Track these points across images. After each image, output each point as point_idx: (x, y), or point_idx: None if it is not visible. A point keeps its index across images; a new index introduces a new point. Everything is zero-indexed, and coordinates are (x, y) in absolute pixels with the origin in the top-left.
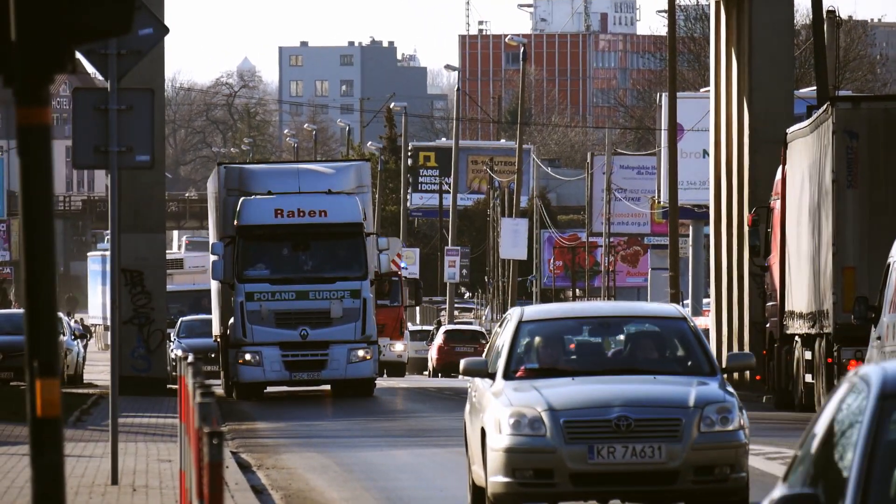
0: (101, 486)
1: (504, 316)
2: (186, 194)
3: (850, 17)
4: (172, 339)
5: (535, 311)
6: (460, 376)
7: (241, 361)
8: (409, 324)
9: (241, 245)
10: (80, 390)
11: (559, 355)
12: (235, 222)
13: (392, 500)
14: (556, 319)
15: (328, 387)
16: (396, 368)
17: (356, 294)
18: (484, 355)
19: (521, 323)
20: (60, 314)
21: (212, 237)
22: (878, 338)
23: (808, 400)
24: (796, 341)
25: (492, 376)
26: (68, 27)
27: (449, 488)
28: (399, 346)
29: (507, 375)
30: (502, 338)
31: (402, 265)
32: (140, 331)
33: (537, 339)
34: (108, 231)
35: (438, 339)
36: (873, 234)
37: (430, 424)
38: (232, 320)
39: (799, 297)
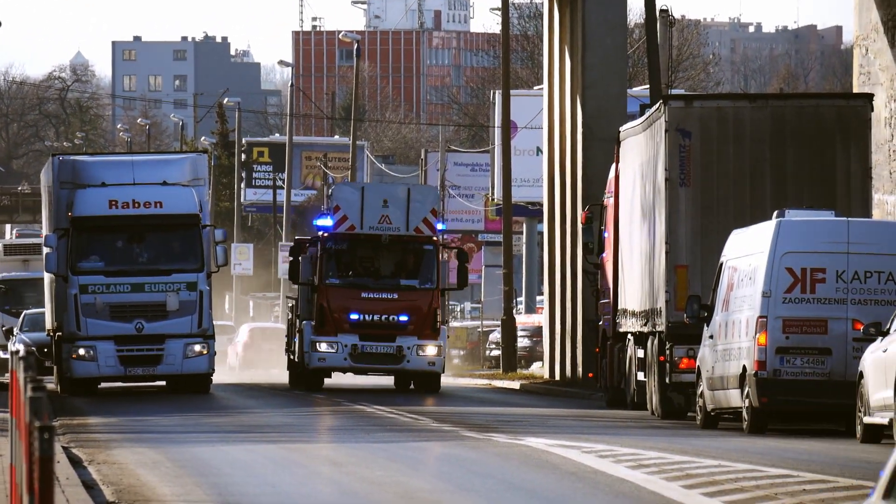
0: None
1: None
2: (19, 188)
3: (683, 16)
4: (15, 333)
5: None
6: None
7: (74, 356)
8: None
9: (75, 237)
10: None
11: None
12: (69, 214)
13: (224, 496)
14: None
15: (163, 382)
16: (426, 380)
17: (192, 286)
18: None
19: None
20: None
21: (45, 230)
22: (711, 336)
23: (641, 398)
24: (629, 339)
25: None
26: None
27: (280, 484)
28: (431, 350)
29: None
30: None
31: (439, 226)
32: None
33: None
34: None
35: (243, 336)
36: (706, 233)
37: (263, 420)
38: (65, 313)
39: (632, 296)
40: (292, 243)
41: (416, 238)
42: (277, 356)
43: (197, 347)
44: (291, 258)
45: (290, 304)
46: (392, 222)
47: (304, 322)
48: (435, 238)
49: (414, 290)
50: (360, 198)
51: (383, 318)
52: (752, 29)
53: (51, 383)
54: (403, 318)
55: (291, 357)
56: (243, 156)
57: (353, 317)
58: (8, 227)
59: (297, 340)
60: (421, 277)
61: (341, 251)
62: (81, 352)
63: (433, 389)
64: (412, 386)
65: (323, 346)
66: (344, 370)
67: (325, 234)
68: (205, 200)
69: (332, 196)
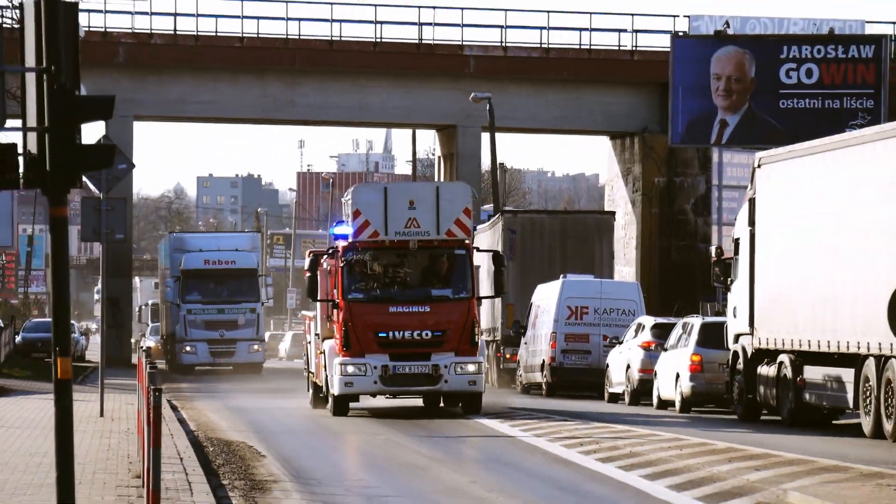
0: (93, 417)
1: None
2: (144, 256)
3: (512, 166)
4: (146, 335)
5: None
6: None
7: (183, 352)
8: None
9: (184, 281)
10: (82, 364)
11: None
12: (180, 267)
13: (254, 425)
14: None
15: (230, 367)
16: (466, 402)
17: (253, 310)
18: None
19: None
20: (73, 321)
21: (160, 279)
22: (526, 343)
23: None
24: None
25: None
26: (76, 164)
27: (286, 420)
28: (471, 367)
29: None
30: None
31: (466, 225)
32: (116, 333)
33: None
34: (100, 276)
35: None
36: (524, 286)
37: (286, 386)
38: (177, 325)
39: (487, 318)
40: (310, 257)
41: (448, 242)
42: None
43: (255, 346)
44: (309, 274)
45: (307, 322)
46: (420, 226)
47: (325, 342)
48: (467, 241)
49: (447, 300)
50: (382, 200)
51: (415, 334)
52: (549, 174)
53: (162, 365)
54: (438, 333)
55: (311, 376)
56: (268, 241)
57: (382, 335)
58: (137, 278)
59: (314, 360)
60: (454, 286)
61: (364, 262)
62: (188, 349)
63: (474, 411)
64: (441, 404)
65: (350, 369)
66: (374, 394)
67: (346, 244)
68: (259, 260)
69: (350, 200)
